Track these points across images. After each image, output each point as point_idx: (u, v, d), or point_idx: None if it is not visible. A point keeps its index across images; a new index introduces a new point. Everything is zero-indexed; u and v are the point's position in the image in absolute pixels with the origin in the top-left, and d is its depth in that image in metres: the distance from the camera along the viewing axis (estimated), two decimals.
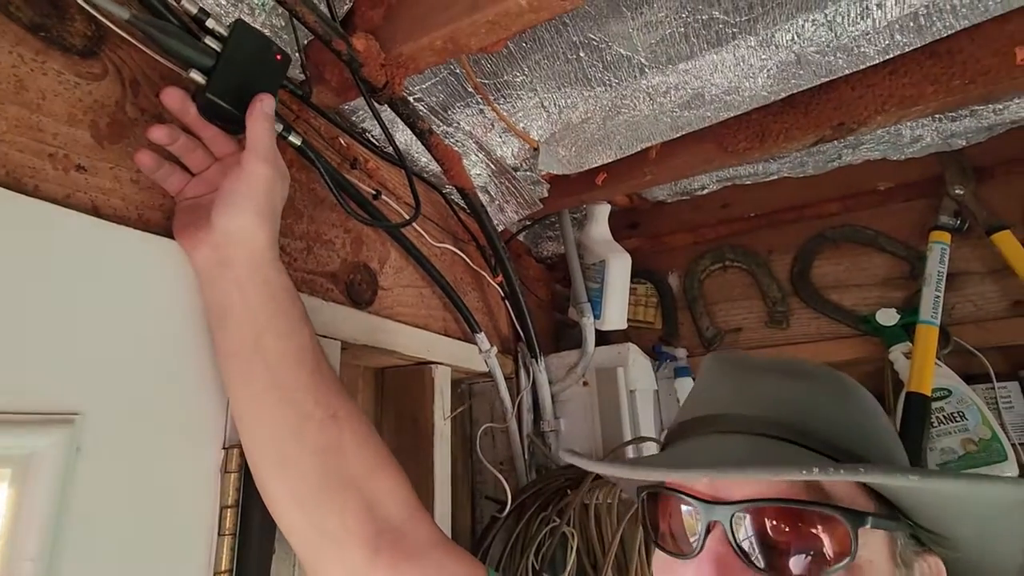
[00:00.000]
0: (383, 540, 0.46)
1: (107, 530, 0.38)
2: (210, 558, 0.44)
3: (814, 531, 0.35)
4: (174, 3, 0.46)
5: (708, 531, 0.36)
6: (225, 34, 0.47)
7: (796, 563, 0.34)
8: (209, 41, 0.47)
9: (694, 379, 1.16)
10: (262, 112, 0.47)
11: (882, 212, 1.16)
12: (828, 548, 0.34)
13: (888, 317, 1.05)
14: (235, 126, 0.49)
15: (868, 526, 0.35)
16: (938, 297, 1.00)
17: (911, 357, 0.99)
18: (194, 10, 0.46)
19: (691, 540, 0.37)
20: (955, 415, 0.94)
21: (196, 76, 0.46)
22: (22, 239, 0.36)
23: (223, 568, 0.44)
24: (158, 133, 0.46)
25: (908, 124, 1.03)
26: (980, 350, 1.01)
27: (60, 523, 0.35)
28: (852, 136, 0.87)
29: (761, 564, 0.35)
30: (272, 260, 0.48)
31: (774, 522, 0.35)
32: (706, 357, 0.49)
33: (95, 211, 0.42)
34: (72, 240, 0.39)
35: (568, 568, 0.81)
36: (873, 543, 0.36)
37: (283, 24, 0.59)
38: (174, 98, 0.47)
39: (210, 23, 0.47)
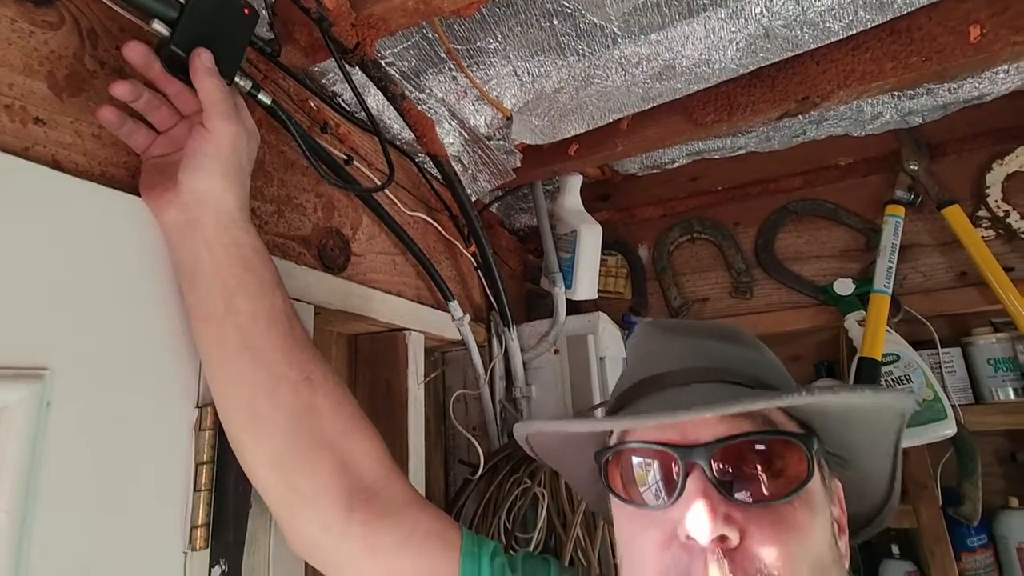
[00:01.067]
0: (357, 499, 0.47)
1: (80, 483, 0.38)
2: (186, 512, 0.45)
3: (779, 458, 0.39)
4: None
5: (687, 474, 0.38)
6: None
7: (768, 488, 0.38)
8: None
9: None
10: (203, 67, 0.45)
11: (842, 187, 1.20)
12: (792, 471, 0.38)
13: (844, 287, 1.10)
14: None
15: (815, 448, 0.40)
16: (891, 268, 1.06)
17: (864, 324, 1.04)
18: None
19: (668, 487, 0.39)
20: (902, 378, 1.00)
21: (159, 27, 0.45)
22: None
23: (200, 522, 0.45)
24: (120, 89, 0.44)
25: (869, 101, 1.06)
26: (927, 318, 1.07)
27: (32, 476, 0.35)
28: (816, 111, 0.90)
29: (738, 495, 0.37)
30: (242, 221, 0.47)
31: (744, 455, 0.38)
32: (637, 326, 0.53)
33: (56, 166, 0.41)
34: (33, 193, 0.38)
35: (539, 527, 0.84)
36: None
37: None
38: (137, 52, 0.45)
39: None
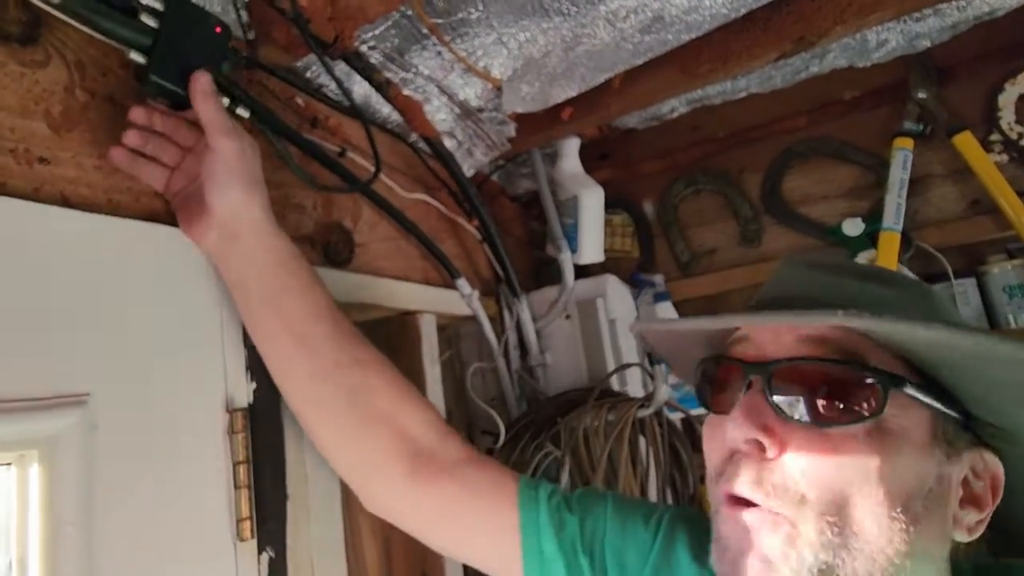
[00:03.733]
0: (418, 461, 0.52)
1: (133, 492, 0.42)
2: (231, 507, 0.49)
3: (848, 389, 0.37)
4: None
5: (748, 388, 0.40)
6: (160, 9, 0.46)
7: (823, 412, 0.37)
8: (145, 18, 0.46)
9: (673, 304, 1.22)
10: (201, 91, 0.48)
11: (848, 122, 1.17)
12: (857, 404, 0.36)
13: (853, 227, 1.09)
14: (183, 104, 0.49)
15: (903, 390, 0.37)
16: (900, 204, 1.04)
17: (875, 263, 1.03)
18: None
19: (731, 397, 0.41)
20: None
21: (136, 57, 0.46)
22: (14, 240, 0.39)
23: (244, 515, 0.49)
24: (133, 139, 0.48)
25: (874, 28, 1.02)
26: (940, 250, 1.05)
27: (90, 491, 0.39)
28: (813, 48, 0.87)
29: (793, 415, 0.37)
30: (272, 227, 0.52)
31: (805, 377, 0.38)
32: (782, 259, 0.50)
33: (65, 201, 0.43)
34: (49, 233, 0.41)
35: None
36: (912, 414, 0.38)
37: None
38: (140, 115, 0.48)
39: None
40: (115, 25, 0.44)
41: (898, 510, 0.36)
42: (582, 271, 1.12)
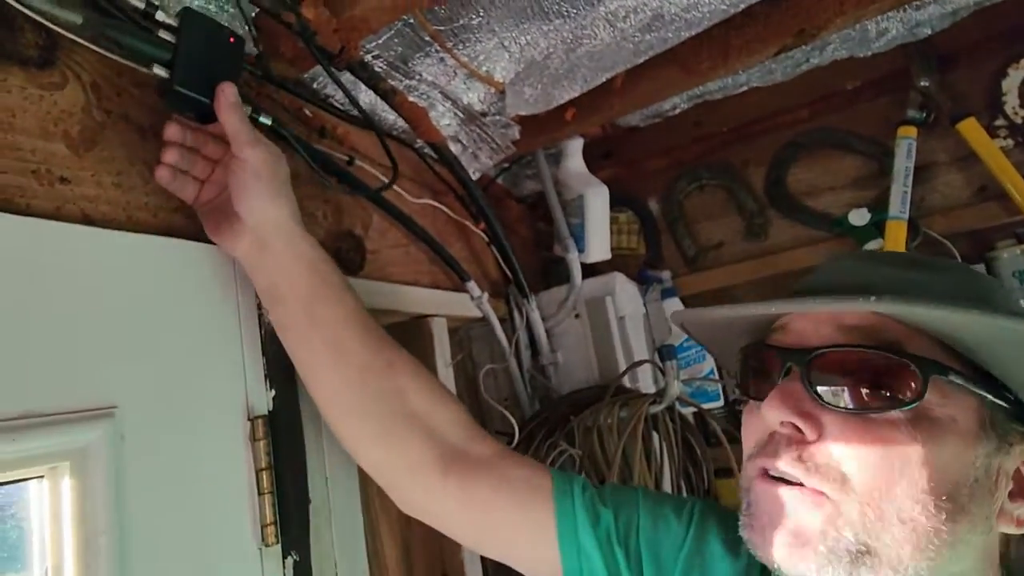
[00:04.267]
0: (450, 461, 0.53)
1: (161, 500, 0.43)
2: (255, 513, 0.50)
3: (887, 377, 0.37)
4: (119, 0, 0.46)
5: (786, 375, 0.40)
6: (175, 25, 0.47)
7: (862, 399, 0.37)
8: (162, 34, 0.47)
9: (681, 300, 1.22)
10: (227, 102, 0.48)
11: (851, 113, 1.17)
12: (897, 390, 0.36)
13: (859, 217, 1.09)
14: (206, 115, 0.50)
15: (946, 378, 0.36)
16: (906, 192, 1.04)
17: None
18: (141, 5, 0.46)
19: (769, 384, 0.41)
20: None
21: (159, 71, 0.47)
22: (39, 259, 0.40)
23: (268, 521, 0.50)
24: (168, 158, 0.49)
25: (874, 18, 1.02)
26: (947, 237, 1.05)
27: (121, 501, 0.40)
28: (814, 41, 0.87)
29: (831, 401, 0.37)
30: (302, 234, 0.52)
31: (844, 365, 0.38)
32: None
33: (86, 219, 0.44)
34: (74, 251, 0.42)
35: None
36: (958, 402, 0.37)
37: None
38: (175, 132, 0.49)
39: (159, 15, 0.47)
40: (136, 41, 0.45)
41: (943, 498, 0.35)
42: (590, 270, 1.13)
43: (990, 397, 0.37)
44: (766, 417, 0.39)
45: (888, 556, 0.35)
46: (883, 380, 0.37)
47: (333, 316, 0.52)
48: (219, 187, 0.52)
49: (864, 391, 0.37)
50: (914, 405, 0.36)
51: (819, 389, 0.38)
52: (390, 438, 0.53)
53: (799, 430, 0.37)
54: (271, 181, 0.50)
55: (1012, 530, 0.39)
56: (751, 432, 0.42)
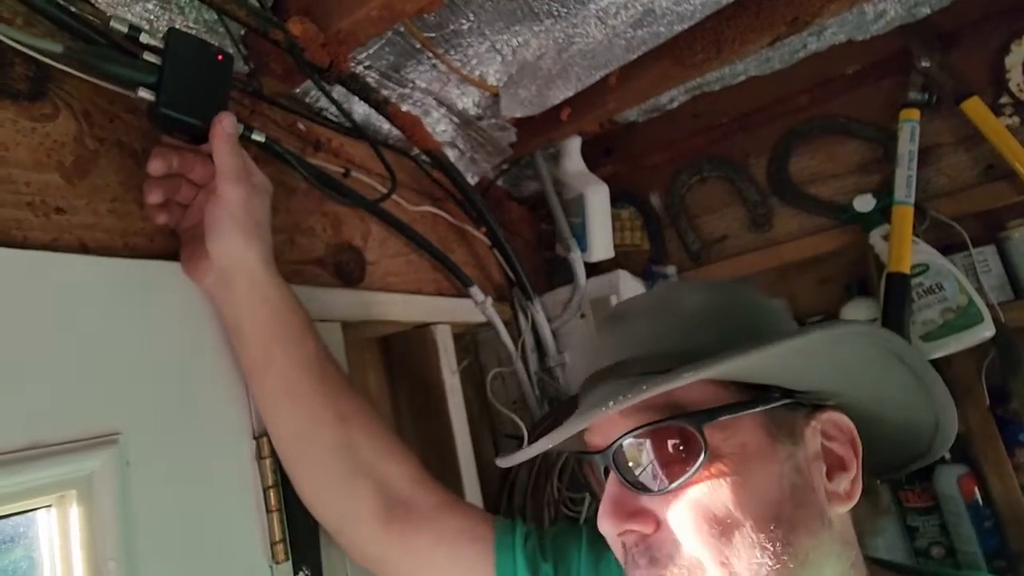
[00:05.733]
0: (393, 514, 0.53)
1: (170, 523, 0.43)
2: (264, 531, 0.50)
3: (673, 442, 0.39)
4: (103, 27, 0.46)
5: (606, 475, 0.42)
6: (161, 46, 0.47)
7: (669, 473, 0.39)
8: (148, 56, 0.47)
9: None
10: (223, 133, 0.48)
11: (852, 98, 1.15)
12: (686, 451, 0.39)
13: (864, 203, 1.07)
14: (198, 135, 0.50)
15: (719, 419, 0.39)
16: (911, 176, 1.02)
17: (889, 239, 1.02)
18: (124, 29, 0.46)
19: (602, 487, 0.43)
20: (933, 287, 0.98)
21: (145, 94, 0.47)
22: (38, 291, 0.40)
23: (277, 538, 0.50)
24: (156, 197, 0.49)
25: (871, 0, 1.00)
26: (956, 219, 1.03)
27: (129, 526, 0.40)
28: (808, 28, 0.86)
29: (645, 486, 0.40)
30: (269, 278, 0.51)
31: (640, 449, 0.40)
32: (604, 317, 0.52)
33: (83, 248, 0.44)
34: (74, 281, 0.42)
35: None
36: (740, 428, 0.39)
37: (217, 19, 0.58)
38: (158, 166, 0.48)
39: (144, 38, 0.47)
40: (120, 67, 0.45)
41: (771, 527, 0.37)
42: (594, 268, 1.12)
43: (760, 408, 0.40)
44: (605, 532, 0.41)
45: None
46: (674, 447, 0.39)
47: (289, 362, 0.51)
48: (199, 214, 0.51)
49: (663, 466, 0.39)
50: (703, 457, 0.38)
51: (637, 481, 0.40)
52: (337, 489, 0.53)
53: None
54: (244, 223, 0.49)
55: (847, 506, 0.40)
56: (606, 530, 0.42)
